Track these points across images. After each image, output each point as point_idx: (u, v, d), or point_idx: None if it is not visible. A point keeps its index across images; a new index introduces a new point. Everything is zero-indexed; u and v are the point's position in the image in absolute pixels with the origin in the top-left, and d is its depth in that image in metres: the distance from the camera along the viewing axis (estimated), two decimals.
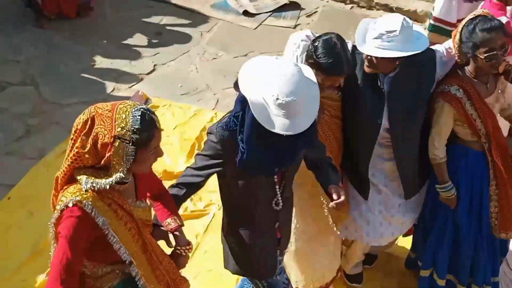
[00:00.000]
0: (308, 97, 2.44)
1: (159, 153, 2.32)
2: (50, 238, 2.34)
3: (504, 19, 4.38)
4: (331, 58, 2.94)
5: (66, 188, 2.26)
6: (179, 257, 2.65)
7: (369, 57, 3.09)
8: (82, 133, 2.17)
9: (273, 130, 2.38)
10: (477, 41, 3.06)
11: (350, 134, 3.40)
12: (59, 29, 5.98)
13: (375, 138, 3.30)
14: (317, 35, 3.17)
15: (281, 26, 6.37)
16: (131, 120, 2.15)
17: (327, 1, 6.79)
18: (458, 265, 3.64)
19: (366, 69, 3.19)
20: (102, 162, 2.20)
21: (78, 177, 2.20)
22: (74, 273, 2.22)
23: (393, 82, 3.20)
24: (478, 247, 3.58)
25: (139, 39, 6.00)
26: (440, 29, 4.69)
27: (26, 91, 5.26)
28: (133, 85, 5.42)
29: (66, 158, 2.24)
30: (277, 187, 2.76)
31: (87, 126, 2.17)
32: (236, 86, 2.57)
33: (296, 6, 6.67)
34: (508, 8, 4.46)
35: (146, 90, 5.31)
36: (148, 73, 5.59)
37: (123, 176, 2.21)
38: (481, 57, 3.08)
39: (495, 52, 3.06)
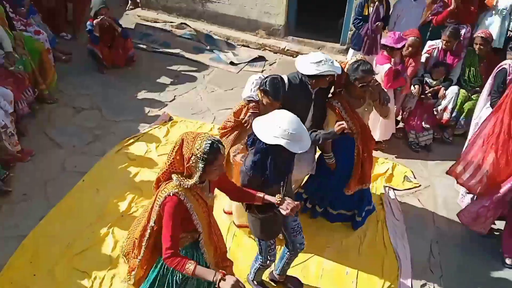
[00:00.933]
0: (303, 128, 2.50)
1: (222, 170, 2.35)
2: (153, 212, 2.42)
3: (387, 66, 4.54)
4: (274, 88, 3.08)
5: (166, 184, 2.34)
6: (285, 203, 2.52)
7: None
8: (176, 148, 2.27)
9: (295, 151, 2.40)
10: (357, 76, 3.22)
11: None
12: (113, 73, 6.02)
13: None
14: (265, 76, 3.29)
15: (253, 71, 6.42)
16: (203, 145, 2.21)
17: (282, 56, 6.88)
18: None
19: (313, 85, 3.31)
20: (185, 171, 2.29)
21: (174, 177, 2.29)
22: (176, 237, 2.28)
23: (317, 93, 3.40)
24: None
25: (164, 80, 6.04)
26: None
27: (93, 113, 5.30)
28: (161, 109, 5.46)
29: (166, 163, 2.33)
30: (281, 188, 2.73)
31: (179, 145, 2.27)
32: (253, 142, 2.56)
33: (263, 59, 6.74)
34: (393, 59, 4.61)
35: (169, 112, 5.38)
36: (170, 101, 5.64)
37: (198, 181, 2.27)
38: (358, 86, 3.26)
39: (365, 84, 3.25)
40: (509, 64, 4.16)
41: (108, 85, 5.79)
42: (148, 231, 2.47)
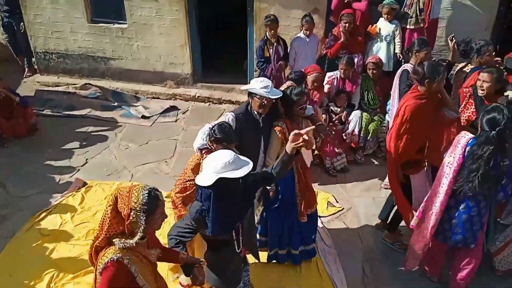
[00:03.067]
0: (235, 153, 2.43)
1: (165, 216, 2.24)
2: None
3: None
4: (224, 133, 3.08)
5: (106, 250, 2.15)
6: (197, 271, 2.54)
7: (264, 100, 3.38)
8: (110, 209, 2.11)
9: (241, 175, 2.32)
10: (293, 99, 3.42)
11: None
12: (16, 145, 5.67)
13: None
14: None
15: (167, 122, 6.43)
16: (141, 196, 2.09)
17: (194, 103, 6.93)
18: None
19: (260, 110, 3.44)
20: (126, 229, 2.13)
21: (114, 241, 2.12)
22: None
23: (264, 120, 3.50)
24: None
25: (73, 144, 5.79)
26: None
27: None
28: (73, 175, 5.20)
29: (101, 229, 2.15)
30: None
31: (112, 204, 2.11)
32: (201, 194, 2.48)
33: (175, 108, 6.74)
34: None
35: (82, 177, 5.13)
36: (82, 165, 5.40)
37: (142, 235, 2.14)
38: (296, 109, 3.45)
39: (302, 106, 3.47)
40: (409, 66, 4.53)
41: (11, 157, 5.42)
42: None
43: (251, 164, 2.42)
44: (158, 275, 2.45)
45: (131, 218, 2.10)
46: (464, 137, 3.13)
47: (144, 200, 2.09)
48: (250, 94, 3.47)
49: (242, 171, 2.34)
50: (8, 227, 4.36)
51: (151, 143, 5.83)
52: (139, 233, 2.12)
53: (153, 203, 2.13)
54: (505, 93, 3.33)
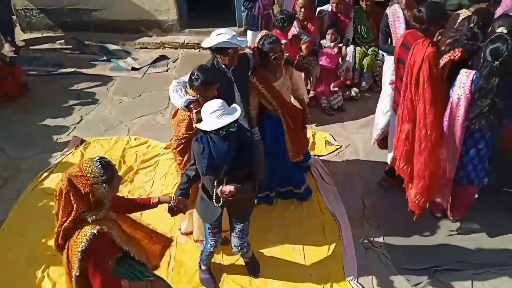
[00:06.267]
0: (229, 108, 2.69)
1: (120, 179, 2.37)
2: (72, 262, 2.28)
3: (283, 41, 4.60)
4: (208, 74, 3.02)
5: (79, 231, 2.19)
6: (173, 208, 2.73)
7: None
8: (71, 193, 2.13)
9: (226, 123, 2.57)
10: (266, 50, 3.33)
11: None
12: (8, 107, 5.57)
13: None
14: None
15: (158, 72, 6.32)
16: (96, 169, 2.14)
17: (183, 50, 6.78)
18: None
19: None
20: (93, 204, 2.18)
21: (88, 218, 2.17)
22: (108, 275, 2.24)
23: (234, 72, 3.36)
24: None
25: (66, 102, 5.71)
26: None
27: None
28: (70, 133, 5.18)
29: (62, 215, 2.18)
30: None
31: (67, 190, 2.12)
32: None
33: (164, 57, 6.60)
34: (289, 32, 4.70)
35: (79, 134, 5.11)
36: (78, 123, 5.36)
37: (109, 204, 2.23)
38: (271, 58, 3.37)
39: (277, 55, 3.35)
40: (389, 8, 4.36)
41: (6, 121, 5.36)
42: (74, 283, 2.31)
43: (238, 111, 2.68)
44: (123, 229, 2.54)
45: (95, 192, 2.16)
46: (466, 75, 3.04)
47: (101, 171, 2.16)
48: (216, 50, 3.26)
49: (237, 113, 2.64)
50: (12, 189, 4.42)
51: (144, 95, 5.78)
52: (107, 202, 2.23)
53: (109, 171, 2.20)
54: (497, 30, 3.20)
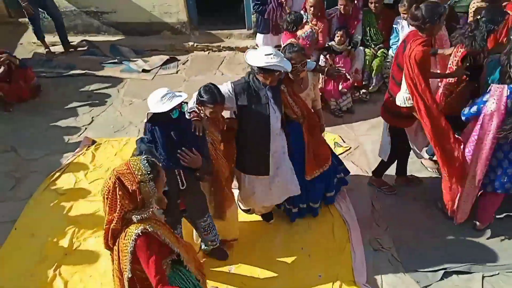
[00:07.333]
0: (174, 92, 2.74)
1: (165, 179, 2.32)
2: (122, 264, 2.29)
3: (293, 40, 4.57)
4: (208, 94, 3.01)
5: (125, 230, 2.22)
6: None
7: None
8: (118, 189, 2.14)
9: (177, 102, 2.66)
10: (288, 59, 3.19)
11: (249, 133, 3.29)
12: (21, 109, 5.67)
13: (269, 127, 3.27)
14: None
15: (168, 74, 6.37)
16: (143, 167, 2.16)
17: (193, 52, 6.81)
18: None
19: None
20: (139, 203, 2.20)
21: (134, 218, 2.19)
22: (163, 272, 2.23)
23: (271, 88, 3.21)
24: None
25: (77, 103, 5.78)
26: None
27: (8, 155, 4.97)
28: (81, 134, 5.24)
29: (112, 211, 2.20)
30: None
31: (117, 186, 2.14)
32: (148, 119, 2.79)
33: (174, 59, 6.63)
34: (298, 33, 4.70)
35: (90, 135, 5.17)
36: (89, 124, 5.42)
37: (155, 204, 2.25)
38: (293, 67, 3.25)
39: (296, 65, 3.26)
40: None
41: (18, 122, 5.44)
42: (127, 284, 2.31)
43: (184, 96, 2.74)
44: (175, 235, 2.54)
45: (142, 190, 2.17)
46: (499, 90, 3.03)
47: (148, 169, 2.17)
48: (262, 68, 3.06)
49: (184, 95, 2.73)
50: (24, 189, 4.48)
51: None
52: (153, 201, 2.23)
53: (155, 169, 2.21)
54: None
